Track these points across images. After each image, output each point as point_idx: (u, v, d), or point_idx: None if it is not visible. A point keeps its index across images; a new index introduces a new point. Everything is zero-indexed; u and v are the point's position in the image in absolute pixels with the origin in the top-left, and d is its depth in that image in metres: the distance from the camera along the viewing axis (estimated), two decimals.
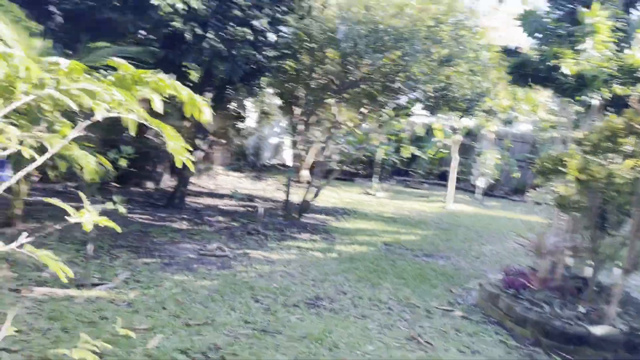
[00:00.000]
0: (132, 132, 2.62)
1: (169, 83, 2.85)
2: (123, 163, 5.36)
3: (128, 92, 2.44)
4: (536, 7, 5.91)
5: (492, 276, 6.37)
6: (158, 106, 3.12)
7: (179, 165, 2.77)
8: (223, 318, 4.47)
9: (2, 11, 6.46)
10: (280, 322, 4.53)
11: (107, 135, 11.94)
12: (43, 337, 3.70)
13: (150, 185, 11.44)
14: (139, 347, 3.74)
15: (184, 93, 2.94)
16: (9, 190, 7.39)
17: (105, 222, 2.24)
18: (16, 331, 3.75)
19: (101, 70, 3.20)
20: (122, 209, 5.02)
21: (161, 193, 10.81)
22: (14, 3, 6.79)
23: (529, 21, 5.71)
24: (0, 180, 9.55)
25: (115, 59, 2.83)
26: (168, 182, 11.60)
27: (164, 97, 2.97)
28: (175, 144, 2.56)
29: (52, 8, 9.18)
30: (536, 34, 5.79)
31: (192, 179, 12.06)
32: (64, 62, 2.54)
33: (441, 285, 6.32)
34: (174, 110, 13.78)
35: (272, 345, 4.04)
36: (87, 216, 2.07)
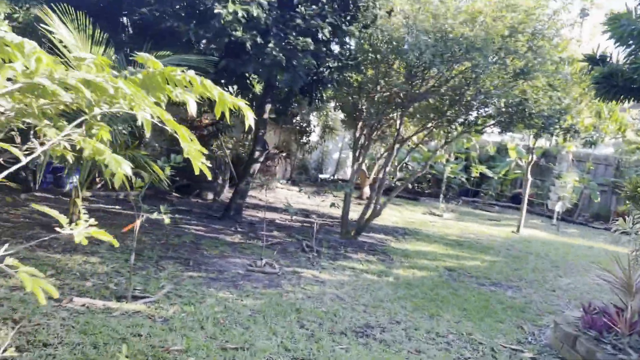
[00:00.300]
0: (147, 132, 2.35)
1: (199, 81, 2.56)
2: (168, 171, 5.16)
3: (140, 91, 2.16)
4: (628, 10, 5.20)
5: (570, 313, 5.63)
6: (192, 109, 2.84)
7: (196, 171, 2.46)
8: (262, 343, 4.11)
9: (69, 20, 6.59)
10: (323, 352, 4.11)
11: (171, 145, 12.12)
12: (70, 352, 3.49)
13: (210, 196, 11.42)
14: None
15: (215, 92, 2.64)
16: (69, 196, 7.48)
17: (99, 234, 1.95)
18: (45, 345, 3.60)
19: (130, 68, 2.97)
20: (167, 220, 4.84)
21: (220, 205, 10.74)
22: (85, 12, 6.92)
23: (619, 25, 5.02)
24: (64, 186, 9.73)
25: (141, 54, 2.58)
26: (228, 193, 11.54)
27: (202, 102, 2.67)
28: (189, 147, 2.25)
29: (123, 19, 9.41)
30: (628, 40, 5.09)
31: (251, 192, 11.95)
32: (90, 57, 2.32)
33: (509, 320, 5.66)
34: (237, 123, 13.76)
35: None
36: (81, 228, 1.78)
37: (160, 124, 2.29)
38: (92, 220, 1.89)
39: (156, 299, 4.80)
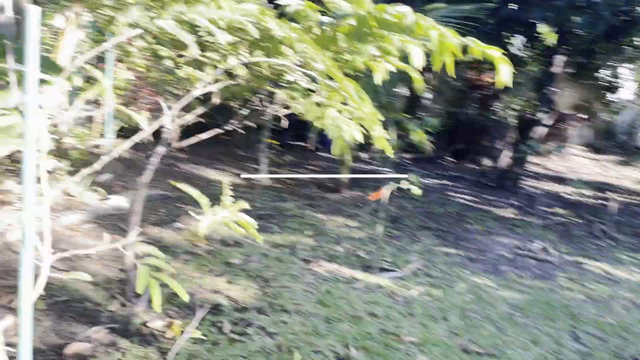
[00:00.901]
0: (322, 87, 1.86)
1: (409, 20, 1.93)
2: (419, 136, 4.63)
3: (310, 42, 1.67)
4: None
5: None
6: (417, 60, 2.25)
7: (379, 144, 1.86)
8: (516, 353, 3.32)
9: None
10: None
11: (452, 106, 11.54)
12: (302, 324, 3.39)
13: (486, 162, 10.49)
14: None
15: (433, 33, 1.97)
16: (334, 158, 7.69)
17: (243, 225, 1.54)
18: (282, 310, 3.60)
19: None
20: (416, 190, 4.37)
21: (496, 172, 9.74)
22: None
23: None
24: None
25: None
26: (507, 159, 10.40)
27: None
28: (359, 108, 1.65)
29: None
30: None
31: (537, 159, 10.55)
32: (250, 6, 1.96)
33: None
34: (526, 80, 12.30)
35: None
36: (205, 220, 1.42)
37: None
38: (244, 204, 1.52)
39: (403, 274, 4.43)
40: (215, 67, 2.04)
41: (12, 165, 5.54)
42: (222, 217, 1.44)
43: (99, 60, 6.66)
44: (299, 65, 1.82)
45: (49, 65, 3.47)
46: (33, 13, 1.10)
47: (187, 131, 3.68)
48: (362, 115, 1.75)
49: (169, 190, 6.26)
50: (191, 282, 3.78)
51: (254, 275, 4.03)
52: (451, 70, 1.98)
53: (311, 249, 4.79)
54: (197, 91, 2.11)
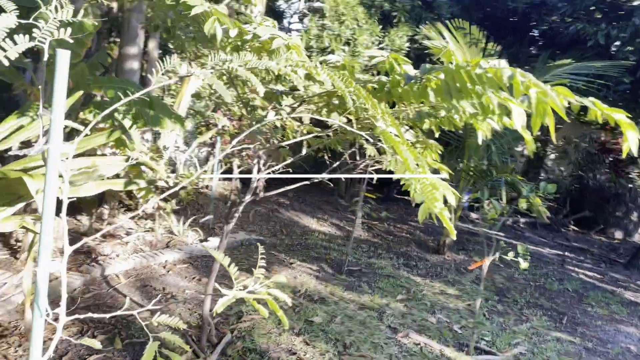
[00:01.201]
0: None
1: (507, 76, 1.65)
2: (533, 201, 4.13)
3: (365, 96, 1.45)
4: None
5: None
6: (518, 120, 1.96)
7: (420, 216, 1.55)
8: None
9: (460, 34, 6.37)
10: None
11: (575, 169, 10.58)
12: None
13: (618, 235, 9.32)
14: None
15: (532, 91, 1.66)
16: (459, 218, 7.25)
17: (271, 305, 1.31)
18: None
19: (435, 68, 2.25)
20: (523, 265, 3.88)
21: (629, 247, 8.58)
22: (483, 28, 6.62)
23: None
24: (461, 205, 9.74)
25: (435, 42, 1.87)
26: None
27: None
28: (416, 181, 1.38)
29: (532, 32, 8.71)
30: None
31: None
32: (334, 58, 1.81)
33: None
34: None
35: None
36: (224, 298, 1.21)
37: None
38: (281, 278, 1.31)
39: (503, 359, 3.90)
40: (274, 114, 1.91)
41: (130, 201, 5.91)
42: (247, 293, 1.25)
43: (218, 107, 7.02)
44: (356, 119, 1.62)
45: (168, 114, 3.63)
46: (63, 57, 1.04)
47: (290, 178, 3.62)
48: (423, 190, 1.49)
49: (266, 235, 6.29)
50: (268, 338, 3.62)
51: (333, 339, 3.77)
52: (552, 134, 1.66)
53: (401, 316, 4.42)
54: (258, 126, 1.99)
